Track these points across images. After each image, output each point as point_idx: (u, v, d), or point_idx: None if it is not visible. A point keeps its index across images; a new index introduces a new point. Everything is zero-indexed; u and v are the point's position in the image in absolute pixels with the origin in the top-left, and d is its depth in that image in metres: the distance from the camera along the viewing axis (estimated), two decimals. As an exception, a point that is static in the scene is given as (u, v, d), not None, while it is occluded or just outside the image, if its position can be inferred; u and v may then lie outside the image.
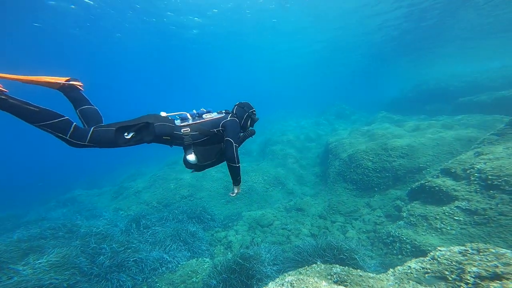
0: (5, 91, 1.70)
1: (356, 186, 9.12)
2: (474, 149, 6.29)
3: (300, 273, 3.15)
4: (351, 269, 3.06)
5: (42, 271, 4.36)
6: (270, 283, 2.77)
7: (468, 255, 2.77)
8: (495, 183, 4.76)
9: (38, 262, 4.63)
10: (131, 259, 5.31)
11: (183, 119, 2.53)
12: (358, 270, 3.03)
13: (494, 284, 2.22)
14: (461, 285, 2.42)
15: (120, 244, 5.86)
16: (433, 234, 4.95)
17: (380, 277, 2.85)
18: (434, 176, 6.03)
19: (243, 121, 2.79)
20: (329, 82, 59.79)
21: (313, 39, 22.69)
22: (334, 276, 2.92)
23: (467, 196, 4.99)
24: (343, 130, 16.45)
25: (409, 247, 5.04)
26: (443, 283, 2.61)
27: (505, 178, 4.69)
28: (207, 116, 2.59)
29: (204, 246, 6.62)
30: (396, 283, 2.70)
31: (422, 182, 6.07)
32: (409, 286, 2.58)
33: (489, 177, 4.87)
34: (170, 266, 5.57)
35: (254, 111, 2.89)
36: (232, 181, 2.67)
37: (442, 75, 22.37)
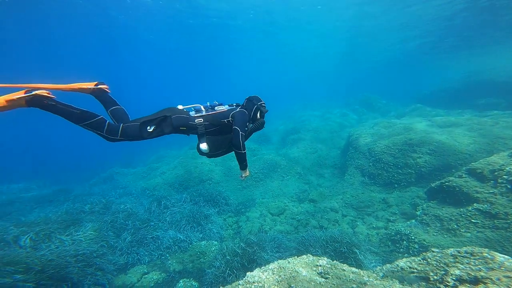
0: (54, 97, 2.18)
1: (374, 181, 8.80)
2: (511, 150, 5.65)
3: (289, 262, 3.32)
4: (336, 262, 3.15)
5: (79, 242, 5.15)
6: (257, 268, 2.99)
7: (459, 257, 2.69)
8: (524, 187, 4.31)
9: (77, 234, 5.47)
10: (150, 236, 5.96)
11: (197, 110, 2.77)
12: (344, 265, 3.10)
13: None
14: (440, 287, 2.39)
15: (142, 221, 6.58)
16: (445, 236, 4.71)
17: (364, 273, 2.90)
18: (457, 176, 5.59)
19: (252, 113, 2.94)
20: (360, 72, 56.17)
21: (344, 26, 21.26)
22: (319, 268, 3.03)
23: (490, 199, 4.61)
24: (369, 122, 15.62)
25: (416, 247, 4.87)
26: (424, 283, 2.59)
27: None
28: (219, 108, 2.81)
29: (215, 229, 7.09)
30: (377, 279, 2.74)
31: (442, 181, 5.69)
32: (387, 283, 2.61)
33: (520, 180, 4.41)
34: (182, 245, 6.13)
35: (263, 103, 3.01)
36: (239, 165, 2.90)
37: (499, 66, 19.55)
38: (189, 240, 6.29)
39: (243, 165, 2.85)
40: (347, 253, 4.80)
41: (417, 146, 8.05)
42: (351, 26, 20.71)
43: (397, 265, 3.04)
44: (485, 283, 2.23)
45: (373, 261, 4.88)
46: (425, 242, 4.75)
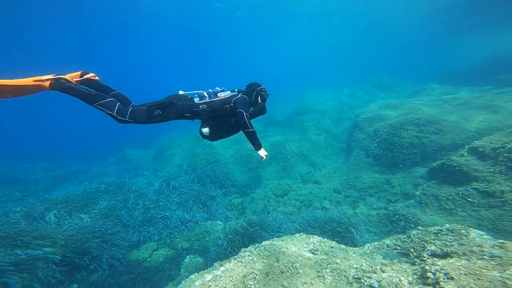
0: (73, 82, 2.43)
1: (379, 161, 8.76)
2: None
3: (283, 239, 3.54)
4: (327, 240, 3.33)
5: (96, 219, 5.60)
6: (251, 245, 3.21)
7: (440, 235, 2.79)
8: (524, 166, 4.24)
9: (93, 212, 5.93)
10: (159, 216, 6.38)
11: (201, 97, 2.88)
12: (333, 242, 3.29)
13: (440, 262, 2.28)
14: (416, 262, 2.53)
15: (152, 201, 7.00)
16: (441, 215, 4.77)
17: (351, 249, 3.07)
18: (459, 155, 5.51)
19: (253, 98, 3.03)
20: (374, 53, 53.16)
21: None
22: (310, 245, 3.23)
23: (488, 177, 4.58)
24: (378, 102, 15.13)
25: (412, 226, 4.97)
26: (404, 259, 2.73)
27: None
28: (221, 95, 2.92)
29: (220, 209, 7.45)
30: (362, 255, 2.90)
31: (443, 160, 5.63)
32: (369, 258, 2.77)
33: (519, 158, 4.33)
34: (189, 225, 6.53)
35: (263, 88, 3.09)
36: (253, 147, 2.96)
37: None
38: (195, 220, 6.68)
39: (256, 144, 2.91)
40: (344, 232, 4.98)
41: (423, 126, 7.85)
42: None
43: (384, 242, 3.19)
44: (452, 257, 2.34)
45: (370, 240, 5.04)
46: (420, 222, 4.84)
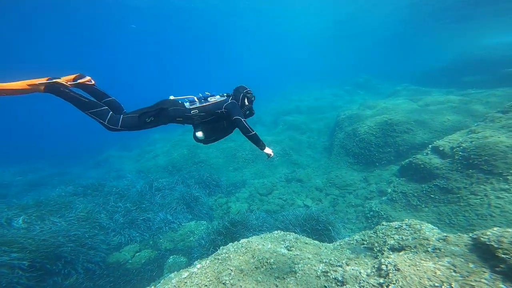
0: (69, 86, 2.43)
1: (358, 160, 9.17)
2: (472, 127, 5.97)
3: (261, 237, 3.69)
4: (301, 237, 3.53)
5: (71, 223, 5.49)
6: (230, 243, 3.35)
7: (399, 230, 3.06)
8: (475, 162, 4.68)
9: (69, 216, 5.80)
10: (141, 218, 6.35)
11: (192, 102, 2.93)
12: (308, 239, 3.49)
13: (393, 255, 2.54)
14: (378, 255, 2.77)
15: (133, 203, 6.94)
16: (408, 211, 5.14)
17: (323, 245, 3.29)
18: (424, 154, 5.94)
19: (240, 101, 3.12)
20: (355, 53, 54.91)
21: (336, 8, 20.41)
22: (286, 241, 3.41)
23: (447, 175, 4.98)
24: (358, 102, 15.75)
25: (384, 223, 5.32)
26: (369, 253, 2.98)
27: (486, 158, 4.59)
28: (212, 99, 2.98)
29: (204, 210, 7.50)
30: (332, 250, 3.12)
31: (410, 159, 6.04)
32: (338, 253, 2.99)
33: (472, 156, 4.77)
34: (173, 226, 6.54)
35: (249, 90, 3.19)
36: (258, 148, 2.98)
37: (491, 43, 19.32)
38: (178, 221, 6.70)
39: (260, 145, 2.96)
40: (322, 230, 5.23)
41: (396, 126, 8.32)
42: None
43: (353, 238, 3.42)
44: (405, 250, 2.61)
45: (346, 236, 5.33)
46: (391, 218, 5.19)
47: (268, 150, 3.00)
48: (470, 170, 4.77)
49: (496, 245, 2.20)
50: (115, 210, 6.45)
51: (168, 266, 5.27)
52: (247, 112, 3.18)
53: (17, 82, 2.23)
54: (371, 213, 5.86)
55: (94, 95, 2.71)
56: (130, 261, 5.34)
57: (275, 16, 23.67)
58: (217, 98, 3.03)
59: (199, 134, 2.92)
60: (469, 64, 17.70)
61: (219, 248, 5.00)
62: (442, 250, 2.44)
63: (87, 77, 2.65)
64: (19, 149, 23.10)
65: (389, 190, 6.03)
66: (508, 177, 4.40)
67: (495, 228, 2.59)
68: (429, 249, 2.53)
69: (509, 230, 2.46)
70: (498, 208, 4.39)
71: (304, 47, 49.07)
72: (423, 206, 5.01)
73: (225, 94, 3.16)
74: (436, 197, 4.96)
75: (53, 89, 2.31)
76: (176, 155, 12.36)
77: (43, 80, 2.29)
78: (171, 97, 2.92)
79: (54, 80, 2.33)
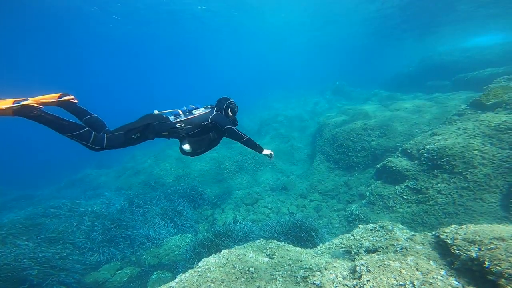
0: (42, 108, 2.16)
1: (338, 165, 9.47)
2: (434, 130, 6.46)
3: (244, 247, 3.71)
4: (283, 244, 3.58)
5: (39, 245, 5.17)
6: (212, 255, 3.32)
7: (374, 231, 3.22)
8: (439, 163, 5.04)
9: (39, 237, 5.46)
10: (120, 235, 6.09)
11: (176, 115, 2.93)
12: (289, 246, 3.54)
13: (365, 257, 2.66)
14: (355, 258, 2.88)
15: (112, 222, 6.65)
16: (385, 213, 5.37)
17: (303, 251, 3.36)
18: (395, 156, 6.30)
19: (224, 112, 3.19)
20: (332, 62, 57.75)
21: (311, 16, 21.52)
22: (268, 249, 3.44)
23: (416, 176, 5.31)
24: (336, 109, 16.42)
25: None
26: (347, 256, 3.09)
27: (447, 158, 4.96)
28: (197, 112, 2.98)
29: (189, 223, 7.35)
30: (313, 256, 3.20)
31: (384, 162, 6.37)
32: (318, 259, 3.07)
33: (435, 157, 5.14)
34: (155, 241, 6.34)
35: (232, 101, 3.25)
36: (256, 151, 3.06)
37: (447, 49, 21.10)
38: (161, 236, 6.51)
39: (258, 148, 3.02)
40: (306, 237, 5.31)
41: (370, 130, 8.75)
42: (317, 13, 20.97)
43: (333, 242, 3.53)
44: (378, 251, 2.75)
45: (329, 241, 5.45)
46: (370, 220, 5.39)
47: (266, 151, 3.08)
48: (435, 171, 5.12)
49: (450, 242, 2.38)
50: (92, 229, 6.14)
51: (152, 283, 5.07)
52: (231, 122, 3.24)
53: None
54: (352, 216, 6.04)
55: (76, 113, 2.63)
56: (110, 279, 5.08)
57: (254, 27, 24.34)
58: (202, 110, 3.04)
59: (186, 147, 2.91)
60: (430, 69, 19.12)
61: (202, 262, 4.92)
62: (408, 249, 2.60)
63: (70, 95, 2.56)
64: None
65: (367, 193, 6.27)
66: (467, 175, 4.77)
67: (452, 226, 2.80)
68: (397, 249, 2.68)
69: (463, 226, 2.68)
70: (461, 206, 4.72)
71: (285, 57, 50.69)
72: (397, 207, 5.27)
73: (209, 106, 3.17)
74: (408, 197, 5.24)
75: (24, 113, 2.04)
76: (158, 170, 12.09)
77: (8, 104, 1.97)
78: (155, 112, 2.89)
79: (24, 102, 2.03)
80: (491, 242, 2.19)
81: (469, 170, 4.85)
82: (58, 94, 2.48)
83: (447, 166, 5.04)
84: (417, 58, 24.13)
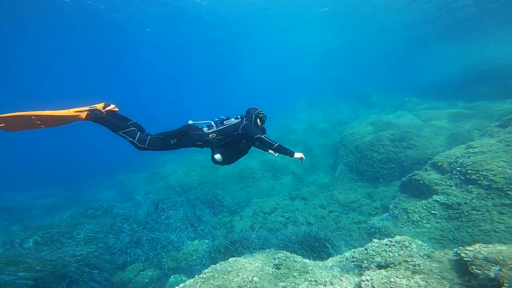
0: (104, 112, 2.77)
1: (361, 176, 9.10)
2: (471, 142, 5.93)
3: (252, 255, 3.78)
4: (292, 255, 3.58)
5: (79, 243, 5.76)
6: (220, 262, 3.46)
7: (389, 246, 3.07)
8: (473, 177, 4.62)
9: (78, 237, 6.09)
10: (145, 238, 6.54)
11: (209, 127, 3.18)
12: (298, 257, 3.54)
13: (373, 272, 2.55)
14: (365, 273, 2.80)
15: (139, 224, 7.18)
16: (410, 227, 5.04)
17: (312, 263, 3.33)
18: (424, 169, 5.90)
19: (253, 121, 3.33)
20: (360, 68, 55.73)
21: (338, 22, 21.18)
22: (276, 259, 3.48)
23: (446, 190, 4.91)
24: (361, 118, 15.81)
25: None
26: (357, 270, 3.00)
27: (483, 173, 4.53)
28: (227, 122, 3.19)
29: (207, 229, 7.61)
30: (321, 268, 3.16)
31: (410, 175, 6.00)
32: (327, 271, 3.03)
33: (469, 171, 4.72)
34: (176, 245, 6.67)
35: (260, 111, 3.41)
36: (288, 156, 3.12)
37: (497, 53, 19.18)
38: (181, 240, 6.83)
39: (288, 153, 3.07)
40: (320, 247, 5.19)
41: (398, 141, 8.30)
42: (351, 15, 20.50)
43: (344, 255, 3.45)
44: (389, 267, 2.63)
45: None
46: (392, 234, 5.09)
47: (298, 155, 3.11)
48: (470, 186, 4.71)
49: (469, 260, 2.22)
50: (122, 231, 6.69)
51: (170, 285, 5.33)
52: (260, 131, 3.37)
53: (62, 110, 2.55)
54: (373, 229, 5.76)
55: (119, 120, 3.01)
56: (133, 280, 5.46)
57: (283, 36, 24.52)
58: (232, 120, 3.22)
59: (218, 156, 3.06)
60: (476, 74, 17.50)
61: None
62: (422, 266, 2.47)
63: (112, 104, 3.00)
64: (38, 175, 24.38)
65: (391, 206, 5.95)
66: (509, 192, 4.31)
67: (477, 244, 2.59)
68: (410, 266, 2.56)
69: (490, 246, 2.47)
70: (501, 223, 4.27)
71: (311, 65, 50.21)
72: (424, 222, 4.92)
73: (239, 117, 3.33)
74: (437, 212, 4.87)
75: (93, 115, 2.67)
76: (183, 176, 12.71)
77: (86, 108, 2.67)
78: (190, 122, 3.15)
79: (94, 107, 2.71)
80: None
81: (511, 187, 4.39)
82: (102, 104, 2.94)
83: (484, 182, 4.61)
84: (458, 64, 22.32)
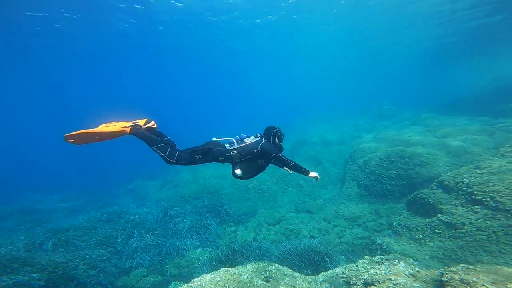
0: (143, 128, 3.15)
1: (369, 192, 8.95)
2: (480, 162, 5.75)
3: (245, 267, 3.92)
4: (284, 268, 3.69)
5: (90, 247, 6.16)
6: (211, 272, 3.63)
7: (379, 264, 3.10)
8: (479, 197, 4.49)
9: (91, 240, 6.52)
10: (152, 244, 6.84)
11: (231, 143, 3.41)
12: (289, 270, 3.64)
13: None
14: None
15: (148, 230, 7.52)
16: (412, 245, 4.92)
17: (301, 277, 3.41)
18: (430, 188, 5.76)
19: (271, 140, 3.52)
20: (379, 82, 54.88)
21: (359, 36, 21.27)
22: (267, 272, 3.60)
23: (452, 210, 4.79)
24: (373, 133, 15.55)
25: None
26: (345, 287, 3.05)
27: (490, 194, 4.41)
28: (248, 140, 3.42)
29: (212, 237, 7.79)
30: (309, 283, 3.24)
31: (415, 193, 5.88)
32: (315, 286, 3.10)
33: (475, 192, 4.59)
34: (180, 252, 6.91)
35: (278, 130, 3.63)
36: (303, 175, 3.31)
37: None
38: (186, 247, 7.06)
39: (304, 172, 3.26)
40: (319, 261, 5.20)
41: (408, 158, 8.14)
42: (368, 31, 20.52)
43: (335, 270, 3.49)
44: (374, 285, 2.66)
45: (343, 269, 5.21)
46: (393, 251, 4.99)
47: (313, 174, 3.28)
48: (476, 206, 4.59)
49: (446, 281, 2.25)
50: (131, 236, 7.05)
51: (169, 292, 5.53)
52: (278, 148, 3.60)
53: (111, 126, 3.00)
54: (374, 245, 5.66)
55: (157, 136, 3.39)
56: (135, 285, 5.72)
57: (296, 46, 24.82)
58: (252, 139, 3.44)
59: (238, 171, 3.28)
60: (504, 90, 16.73)
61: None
62: (403, 285, 2.51)
63: (152, 121, 3.41)
64: (63, 178, 25.99)
65: (395, 223, 5.84)
66: (516, 213, 4.16)
67: (461, 265, 2.60)
68: (391, 284, 2.59)
69: (471, 266, 2.48)
70: (508, 245, 4.11)
71: (327, 77, 50.18)
72: (427, 240, 4.79)
73: (258, 135, 3.56)
74: (441, 232, 4.74)
75: (135, 130, 3.04)
76: (193, 185, 13.08)
77: (130, 123, 3.06)
78: (214, 138, 3.40)
79: (136, 123, 3.11)
80: (483, 285, 2.03)
81: (520, 208, 4.24)
82: (145, 120, 3.36)
83: (491, 203, 4.49)
84: (483, 79, 21.43)
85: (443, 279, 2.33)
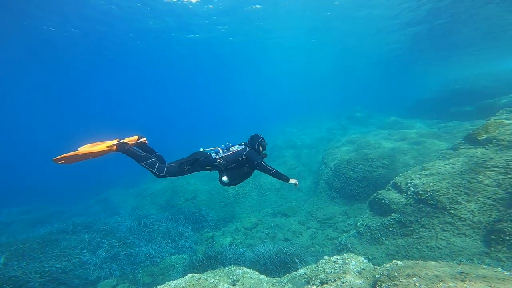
0: (130, 144, 3.18)
1: (340, 194, 9.46)
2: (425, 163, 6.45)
3: (213, 272, 4.05)
4: (250, 270, 3.86)
5: (50, 259, 5.89)
6: (178, 279, 3.70)
7: (335, 263, 3.40)
8: (423, 197, 5.05)
9: (52, 252, 6.22)
10: (123, 253, 6.68)
11: (217, 153, 3.55)
12: (255, 273, 3.82)
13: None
14: None
15: (119, 239, 7.32)
16: (372, 244, 5.36)
17: (265, 279, 3.62)
18: (386, 189, 6.32)
19: (257, 148, 3.65)
20: (351, 86, 57.91)
21: (329, 44, 22.41)
22: (234, 276, 3.76)
23: (402, 209, 5.31)
24: (344, 137, 16.43)
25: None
26: (306, 287, 3.30)
27: (431, 193, 4.97)
28: (233, 149, 3.57)
29: (188, 244, 7.77)
30: (274, 285, 3.45)
31: (374, 194, 6.40)
32: (279, 287, 3.32)
33: (420, 191, 5.15)
34: (154, 260, 6.82)
35: (263, 139, 3.78)
36: (284, 181, 3.42)
37: (474, 73, 20.42)
38: (160, 255, 6.98)
39: (284, 178, 3.39)
40: (289, 263, 5.45)
41: (372, 161, 8.77)
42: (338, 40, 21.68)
43: (298, 271, 3.74)
44: (327, 284, 2.94)
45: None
46: (356, 251, 5.40)
47: (292, 181, 3.44)
48: (421, 205, 5.13)
49: (379, 277, 2.57)
50: (100, 246, 6.82)
51: (141, 302, 5.46)
52: (262, 156, 3.78)
53: (97, 146, 3.04)
54: (341, 246, 6.05)
55: (146, 151, 3.46)
56: (104, 296, 5.58)
57: (272, 53, 25.50)
58: (237, 147, 3.61)
59: (225, 178, 3.43)
60: (454, 94, 18.50)
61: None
62: (347, 283, 2.80)
63: (144, 137, 3.48)
64: (24, 189, 24.11)
65: (359, 223, 6.29)
66: (451, 211, 4.73)
67: (393, 261, 2.96)
68: (339, 283, 2.88)
69: (399, 263, 2.84)
70: (444, 240, 4.65)
71: (300, 82, 51.77)
72: (383, 239, 5.26)
73: (243, 143, 3.73)
74: (394, 230, 5.23)
75: (122, 148, 3.09)
76: (170, 192, 12.88)
77: (115, 142, 3.11)
78: (201, 149, 3.57)
79: (122, 141, 3.16)
80: (400, 280, 2.36)
81: (453, 206, 4.82)
82: (137, 137, 3.44)
83: (432, 201, 5.05)
84: (439, 83, 23.48)
85: (376, 275, 2.65)
